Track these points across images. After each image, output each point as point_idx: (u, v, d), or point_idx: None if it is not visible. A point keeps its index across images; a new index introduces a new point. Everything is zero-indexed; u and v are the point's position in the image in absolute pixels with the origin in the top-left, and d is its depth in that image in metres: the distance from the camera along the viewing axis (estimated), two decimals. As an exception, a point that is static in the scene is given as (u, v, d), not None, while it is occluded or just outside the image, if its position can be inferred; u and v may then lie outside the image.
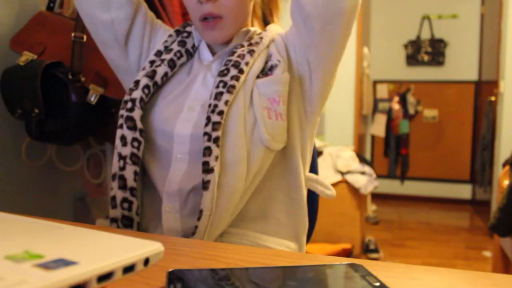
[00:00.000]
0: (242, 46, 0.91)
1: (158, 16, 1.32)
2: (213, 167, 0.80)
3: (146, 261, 0.37)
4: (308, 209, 0.97)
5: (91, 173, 1.49)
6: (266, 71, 0.89)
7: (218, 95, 0.84)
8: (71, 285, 0.31)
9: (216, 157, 0.81)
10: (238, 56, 0.88)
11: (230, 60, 0.88)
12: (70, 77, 1.19)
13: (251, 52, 0.89)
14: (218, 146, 0.81)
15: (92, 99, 1.21)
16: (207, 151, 0.81)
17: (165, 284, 0.46)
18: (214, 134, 0.81)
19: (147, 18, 0.97)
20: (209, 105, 0.84)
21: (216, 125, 0.82)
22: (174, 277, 0.46)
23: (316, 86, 0.90)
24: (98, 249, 0.37)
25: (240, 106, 0.84)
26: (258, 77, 0.88)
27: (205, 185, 0.81)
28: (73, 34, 1.21)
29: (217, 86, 0.85)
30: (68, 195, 1.51)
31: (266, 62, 0.90)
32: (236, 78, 0.85)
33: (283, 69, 0.88)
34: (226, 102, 0.83)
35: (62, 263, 0.32)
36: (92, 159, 1.50)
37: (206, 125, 0.83)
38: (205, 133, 0.82)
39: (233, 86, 0.84)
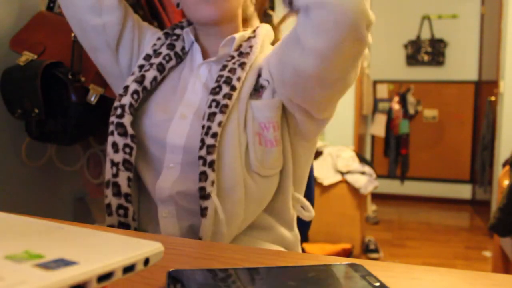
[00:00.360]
0: (233, 57, 0.88)
1: (158, 16, 1.32)
2: (210, 193, 0.79)
3: (146, 261, 0.37)
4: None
5: (91, 173, 1.49)
6: (258, 88, 0.87)
7: (211, 116, 0.81)
8: (71, 285, 0.30)
9: (212, 182, 0.79)
10: (229, 71, 0.85)
11: (222, 76, 0.85)
12: (70, 77, 1.19)
13: (242, 65, 0.86)
14: (213, 170, 0.79)
15: (92, 99, 1.21)
16: (203, 176, 0.79)
17: (165, 284, 0.46)
18: (209, 158, 0.79)
19: (134, 21, 0.96)
20: (203, 127, 0.82)
21: (210, 149, 0.79)
22: (174, 277, 0.46)
23: (300, 118, 0.86)
24: (98, 249, 0.37)
25: (234, 127, 0.82)
26: (251, 94, 0.85)
27: (203, 212, 0.79)
28: (73, 34, 1.21)
29: (210, 106, 0.83)
30: (68, 195, 1.51)
31: (259, 76, 0.87)
32: (229, 96, 0.82)
33: (273, 91, 0.85)
34: (220, 123, 0.81)
35: (62, 263, 0.32)
36: (92, 159, 1.50)
37: (201, 148, 0.80)
38: (200, 157, 0.80)
39: (226, 106, 0.82)
